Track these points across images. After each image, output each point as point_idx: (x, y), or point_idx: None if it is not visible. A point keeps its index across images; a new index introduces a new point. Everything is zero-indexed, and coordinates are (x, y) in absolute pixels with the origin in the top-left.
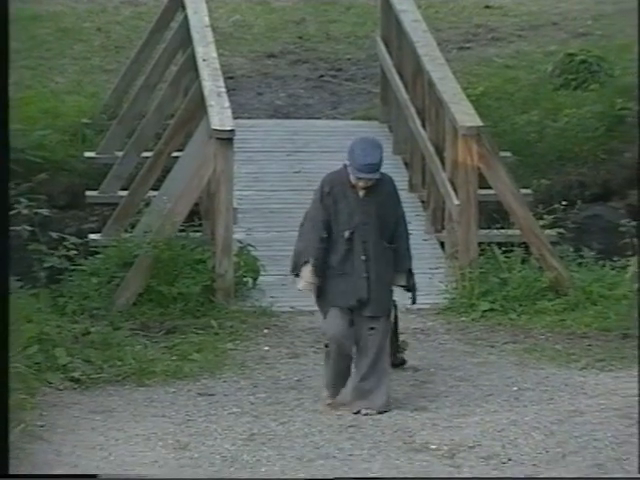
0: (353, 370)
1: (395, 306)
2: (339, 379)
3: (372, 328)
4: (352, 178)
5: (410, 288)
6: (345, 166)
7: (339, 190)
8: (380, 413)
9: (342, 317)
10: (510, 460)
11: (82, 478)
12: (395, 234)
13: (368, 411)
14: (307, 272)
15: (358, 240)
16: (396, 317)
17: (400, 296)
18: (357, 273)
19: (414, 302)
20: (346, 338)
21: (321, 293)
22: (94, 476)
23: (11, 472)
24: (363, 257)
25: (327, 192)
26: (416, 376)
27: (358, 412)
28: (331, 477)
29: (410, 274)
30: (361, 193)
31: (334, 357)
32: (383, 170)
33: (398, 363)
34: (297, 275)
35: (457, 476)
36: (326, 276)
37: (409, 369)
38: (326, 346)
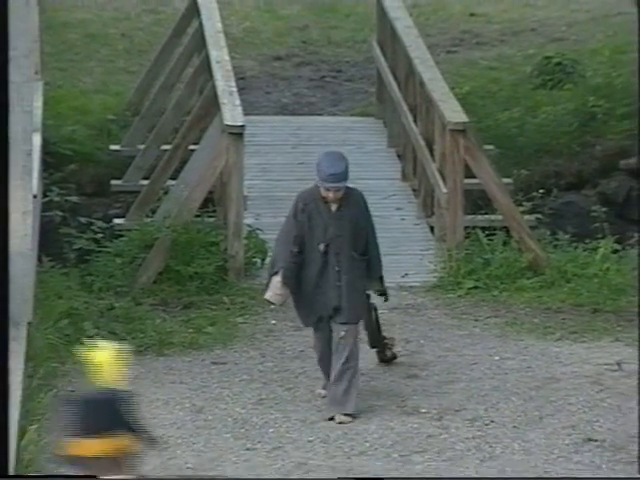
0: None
1: (375, 308)
2: (324, 374)
3: (344, 334)
4: (322, 191)
5: (382, 292)
6: (317, 184)
7: (313, 206)
8: (350, 416)
9: (322, 331)
10: (492, 422)
11: (81, 478)
12: (367, 245)
13: (342, 419)
14: (275, 283)
15: (332, 252)
16: (377, 317)
17: (393, 275)
18: (330, 283)
19: (386, 300)
20: (326, 349)
21: (299, 305)
22: (93, 477)
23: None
24: (337, 268)
25: (301, 209)
26: (408, 347)
27: (332, 418)
28: (332, 442)
29: (382, 280)
30: (334, 207)
31: (318, 363)
32: (377, 162)
33: (389, 359)
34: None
35: (467, 476)
36: (302, 289)
37: (401, 341)
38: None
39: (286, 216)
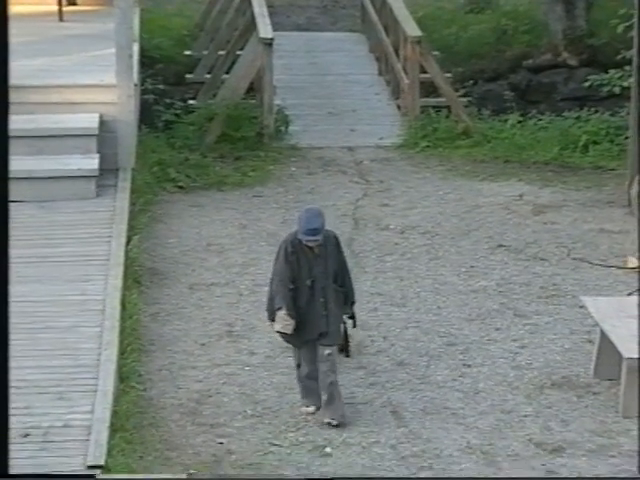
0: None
1: (344, 322)
2: (311, 392)
3: (329, 354)
4: (303, 240)
5: (352, 316)
6: (298, 236)
7: (299, 250)
8: (340, 421)
9: (311, 351)
10: (437, 234)
11: (79, 478)
12: (343, 277)
13: (331, 421)
14: (282, 316)
15: (318, 286)
16: (345, 330)
17: (373, 139)
18: (318, 312)
19: (355, 326)
20: (313, 364)
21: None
22: (91, 476)
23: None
24: (322, 299)
25: (291, 252)
26: (382, 185)
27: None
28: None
29: (353, 305)
30: (316, 250)
31: (304, 379)
32: (362, 63)
33: (346, 355)
34: (273, 320)
35: (467, 476)
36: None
37: (377, 181)
38: (298, 366)
39: (276, 259)
